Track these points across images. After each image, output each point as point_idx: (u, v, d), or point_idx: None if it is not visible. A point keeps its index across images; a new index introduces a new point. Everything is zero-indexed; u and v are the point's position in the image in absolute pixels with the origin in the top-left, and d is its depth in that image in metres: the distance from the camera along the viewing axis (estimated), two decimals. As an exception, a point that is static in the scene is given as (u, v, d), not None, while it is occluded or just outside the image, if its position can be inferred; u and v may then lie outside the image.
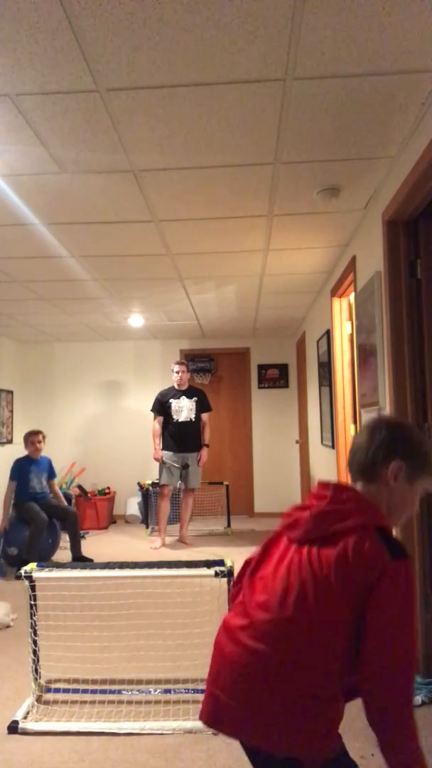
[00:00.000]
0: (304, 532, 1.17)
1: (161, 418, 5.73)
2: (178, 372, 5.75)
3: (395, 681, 1.02)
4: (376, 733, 1.03)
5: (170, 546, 5.56)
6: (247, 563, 1.32)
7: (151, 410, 5.86)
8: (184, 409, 5.72)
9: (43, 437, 5.18)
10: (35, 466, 5.07)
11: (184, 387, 5.80)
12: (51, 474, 5.23)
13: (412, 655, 1.02)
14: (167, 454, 5.63)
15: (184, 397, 5.76)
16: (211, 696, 1.14)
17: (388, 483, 1.19)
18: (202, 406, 5.83)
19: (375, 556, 1.07)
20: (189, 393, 5.80)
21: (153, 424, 5.78)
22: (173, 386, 5.82)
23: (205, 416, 5.85)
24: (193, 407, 5.76)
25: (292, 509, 1.25)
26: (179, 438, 5.66)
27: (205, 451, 5.79)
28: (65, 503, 5.22)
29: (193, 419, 5.73)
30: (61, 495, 5.28)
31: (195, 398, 5.80)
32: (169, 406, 5.71)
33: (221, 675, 1.13)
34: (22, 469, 4.99)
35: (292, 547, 1.19)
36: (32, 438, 5.11)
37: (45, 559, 4.86)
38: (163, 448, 5.68)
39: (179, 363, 5.79)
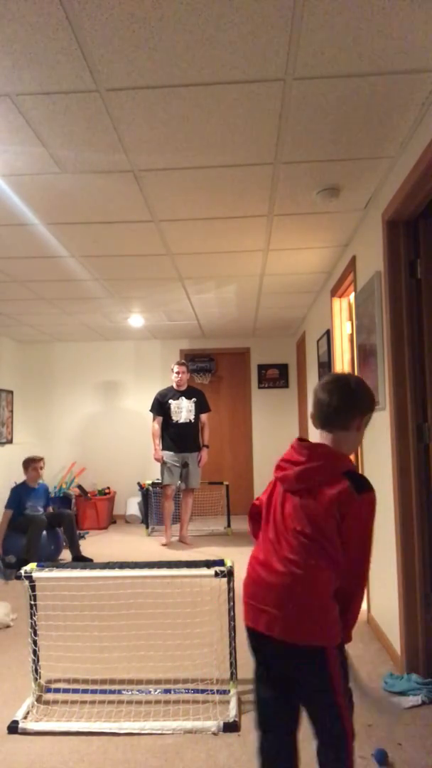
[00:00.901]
0: (290, 485, 1.55)
1: (160, 419, 5.72)
2: (178, 372, 5.74)
3: (360, 568, 1.50)
4: (342, 602, 1.49)
5: (170, 546, 5.56)
6: (255, 506, 1.72)
7: (150, 411, 5.85)
8: (183, 409, 5.72)
9: (44, 463, 5.18)
10: (33, 494, 5.04)
11: (183, 387, 5.80)
12: (47, 502, 5.22)
13: (369, 553, 1.51)
14: (167, 455, 5.63)
15: (183, 397, 5.75)
16: (262, 612, 1.50)
17: (354, 431, 1.57)
18: (201, 407, 5.82)
19: (346, 498, 1.46)
20: (188, 393, 5.80)
21: (152, 425, 5.77)
22: (172, 386, 5.81)
23: (204, 417, 5.84)
24: (193, 408, 5.76)
25: (282, 462, 1.60)
26: (179, 438, 5.66)
27: (205, 452, 5.79)
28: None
29: (193, 420, 5.73)
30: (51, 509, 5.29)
31: (194, 399, 5.79)
32: (168, 407, 5.71)
33: (268, 595, 1.49)
34: (20, 499, 4.95)
35: (287, 495, 1.56)
36: (35, 464, 5.07)
37: (47, 563, 4.86)
38: (163, 449, 5.67)
39: (179, 363, 5.78)
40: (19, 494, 4.97)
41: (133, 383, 7.42)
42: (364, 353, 3.23)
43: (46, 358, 7.51)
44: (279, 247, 3.76)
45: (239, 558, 5.07)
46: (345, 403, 1.56)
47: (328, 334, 4.48)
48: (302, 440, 1.59)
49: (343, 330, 4.29)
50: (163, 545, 5.57)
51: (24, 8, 1.61)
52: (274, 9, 1.64)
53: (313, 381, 5.58)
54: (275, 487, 1.63)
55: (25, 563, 2.96)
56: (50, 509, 5.22)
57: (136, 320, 6.04)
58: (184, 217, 3.21)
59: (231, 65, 1.88)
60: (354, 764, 1.48)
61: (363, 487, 1.47)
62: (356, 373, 3.70)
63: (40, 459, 5.13)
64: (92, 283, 4.52)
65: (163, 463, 5.61)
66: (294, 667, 1.50)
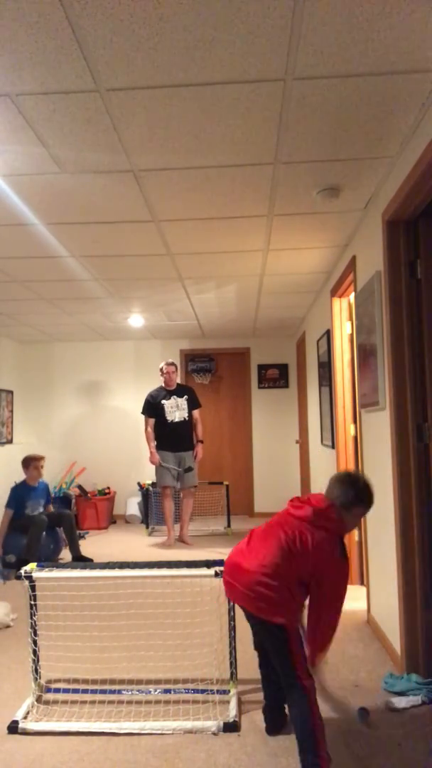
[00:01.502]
0: (305, 516, 2.05)
1: (153, 421, 5.70)
2: (168, 372, 5.72)
3: (332, 617, 2.02)
4: (308, 631, 2.02)
5: (172, 546, 5.56)
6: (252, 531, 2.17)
7: (142, 413, 5.79)
8: (177, 408, 5.70)
9: (44, 462, 5.18)
10: (33, 493, 5.02)
11: (173, 386, 5.78)
12: (48, 500, 5.19)
13: (340, 606, 2.04)
14: (164, 456, 5.62)
15: (175, 396, 5.73)
16: (233, 587, 2.04)
17: (353, 515, 2.08)
18: (193, 404, 5.81)
19: (332, 553, 2.00)
20: (179, 392, 5.78)
21: (146, 428, 5.72)
22: (161, 387, 5.79)
23: (195, 413, 5.83)
24: (186, 406, 5.74)
25: (297, 499, 2.14)
26: (175, 438, 5.64)
27: (200, 447, 5.78)
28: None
29: (187, 418, 5.72)
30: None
31: (186, 396, 5.77)
32: (162, 408, 5.68)
33: (242, 577, 2.00)
34: (20, 498, 4.93)
35: (290, 520, 2.07)
36: (35, 463, 5.04)
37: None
38: (158, 450, 5.65)
39: (169, 363, 5.75)
40: (19, 494, 4.95)
41: (133, 383, 7.42)
42: (364, 353, 3.23)
43: (46, 358, 7.51)
44: (279, 247, 3.76)
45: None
46: (350, 493, 2.09)
47: (328, 334, 4.48)
48: (324, 498, 2.15)
49: (343, 330, 4.29)
50: (164, 546, 5.57)
51: (24, 8, 1.61)
52: (274, 9, 1.64)
53: (313, 381, 5.58)
54: (276, 519, 2.18)
55: (25, 563, 2.96)
56: (50, 508, 5.21)
57: (136, 320, 6.04)
58: (184, 217, 3.21)
59: (231, 65, 1.88)
60: (314, 714, 1.90)
61: (343, 555, 2.06)
62: (356, 373, 3.70)
63: (41, 458, 5.11)
64: (92, 283, 4.52)
65: (160, 466, 5.60)
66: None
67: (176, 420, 5.66)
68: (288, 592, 1.95)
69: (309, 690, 1.92)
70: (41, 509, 5.06)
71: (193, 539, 5.82)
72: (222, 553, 5.26)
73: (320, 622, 2.00)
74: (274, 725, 2.23)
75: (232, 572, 2.06)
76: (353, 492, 2.05)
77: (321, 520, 2.01)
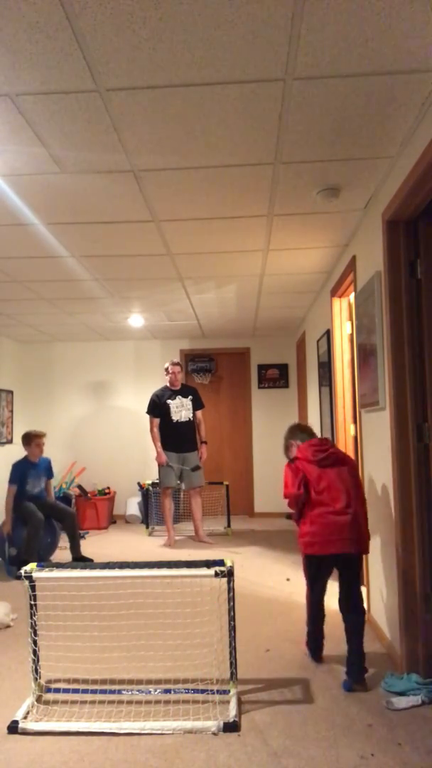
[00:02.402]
0: (332, 462, 2.74)
1: (158, 420, 5.70)
2: (173, 372, 5.72)
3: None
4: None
5: (173, 546, 5.56)
6: (300, 494, 2.72)
7: (147, 413, 5.79)
8: (182, 408, 5.71)
9: (45, 439, 5.17)
10: (34, 469, 5.01)
11: (178, 386, 5.78)
12: (49, 474, 5.18)
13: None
14: (168, 456, 5.62)
15: (179, 396, 5.74)
16: (339, 540, 2.59)
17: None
18: (197, 404, 5.81)
19: (354, 464, 2.78)
20: (184, 392, 5.78)
21: (151, 428, 5.72)
22: (166, 386, 5.79)
23: (199, 413, 5.83)
24: (190, 406, 5.75)
25: (314, 452, 2.77)
26: (179, 438, 5.65)
27: (204, 448, 5.78)
28: (53, 498, 5.20)
29: (191, 418, 5.72)
30: (53, 495, 5.25)
31: (190, 396, 5.78)
32: (167, 407, 5.69)
33: (343, 530, 2.59)
34: (21, 473, 4.92)
35: (328, 469, 2.72)
36: (37, 440, 5.02)
37: (44, 559, 4.86)
38: (163, 449, 5.66)
39: (174, 363, 5.76)
40: (22, 469, 4.91)
41: (133, 383, 7.42)
42: (364, 353, 3.23)
43: (46, 358, 7.52)
44: (279, 247, 3.76)
45: (239, 558, 5.07)
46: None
47: (328, 334, 4.48)
48: (315, 439, 2.90)
49: (343, 330, 4.29)
50: (168, 546, 5.55)
51: (24, 8, 1.61)
52: (274, 9, 1.64)
53: (313, 381, 5.59)
54: (311, 471, 2.73)
55: (25, 563, 2.95)
56: (50, 483, 5.20)
57: (136, 320, 6.04)
58: (184, 217, 3.21)
59: (231, 65, 1.88)
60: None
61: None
62: (356, 373, 3.71)
63: (42, 434, 5.07)
64: (92, 283, 4.52)
65: (166, 465, 5.60)
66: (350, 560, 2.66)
67: (181, 420, 5.67)
68: (365, 515, 2.71)
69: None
70: (42, 486, 5.05)
71: (190, 540, 5.82)
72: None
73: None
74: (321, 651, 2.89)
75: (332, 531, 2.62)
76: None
77: (339, 455, 2.81)
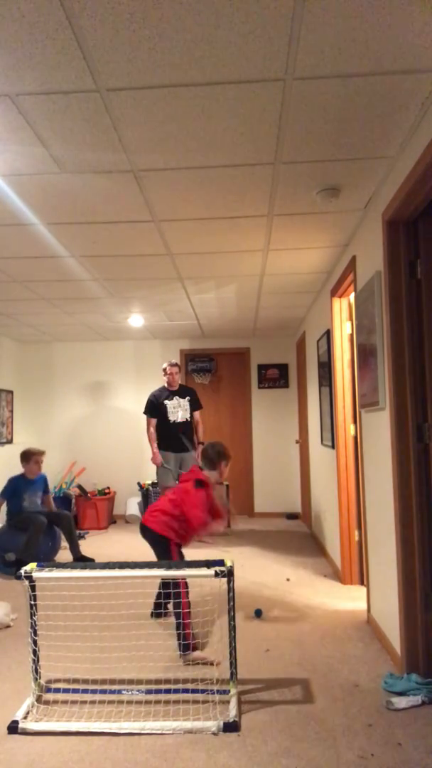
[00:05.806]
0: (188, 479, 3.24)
1: (155, 421, 5.70)
2: (171, 373, 5.72)
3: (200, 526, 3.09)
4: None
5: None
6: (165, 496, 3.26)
7: (144, 413, 5.78)
8: (180, 409, 5.70)
9: (44, 457, 5.16)
10: (30, 486, 4.99)
11: (175, 387, 5.79)
12: (46, 490, 5.17)
13: (203, 520, 3.06)
14: (165, 456, 5.62)
15: (177, 397, 5.73)
16: (149, 516, 3.15)
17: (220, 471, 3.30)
18: (195, 405, 5.81)
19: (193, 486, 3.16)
20: (181, 393, 5.78)
21: (148, 428, 5.72)
22: (164, 387, 5.79)
23: (196, 414, 5.83)
24: (188, 407, 5.74)
25: (186, 475, 3.30)
26: (176, 439, 5.64)
27: (201, 450, 5.77)
28: (53, 507, 5.20)
29: (189, 419, 5.72)
30: (53, 506, 5.24)
31: (188, 397, 5.77)
32: (165, 408, 5.68)
33: (155, 512, 3.13)
34: (15, 490, 4.90)
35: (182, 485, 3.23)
36: (36, 457, 5.00)
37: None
38: (159, 450, 5.65)
39: (172, 364, 5.75)
40: (16, 486, 4.90)
41: (133, 383, 7.42)
42: (364, 353, 3.23)
43: (46, 358, 7.52)
44: (279, 247, 3.76)
45: (239, 558, 5.07)
46: (213, 453, 3.36)
47: (328, 334, 4.48)
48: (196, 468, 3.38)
49: (343, 330, 4.29)
50: None
51: (24, 8, 1.61)
52: (274, 9, 1.64)
53: (313, 381, 5.58)
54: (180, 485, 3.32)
55: (24, 564, 2.95)
56: (50, 498, 5.19)
57: (136, 320, 6.04)
58: (184, 217, 3.21)
59: (231, 65, 1.88)
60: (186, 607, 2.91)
61: (199, 486, 3.14)
62: (356, 373, 3.71)
63: (42, 452, 5.06)
64: (92, 283, 4.52)
65: (162, 467, 5.59)
66: None
67: (178, 420, 5.66)
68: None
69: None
70: (39, 501, 5.04)
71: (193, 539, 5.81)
72: (222, 553, 5.26)
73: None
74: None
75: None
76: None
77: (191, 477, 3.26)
